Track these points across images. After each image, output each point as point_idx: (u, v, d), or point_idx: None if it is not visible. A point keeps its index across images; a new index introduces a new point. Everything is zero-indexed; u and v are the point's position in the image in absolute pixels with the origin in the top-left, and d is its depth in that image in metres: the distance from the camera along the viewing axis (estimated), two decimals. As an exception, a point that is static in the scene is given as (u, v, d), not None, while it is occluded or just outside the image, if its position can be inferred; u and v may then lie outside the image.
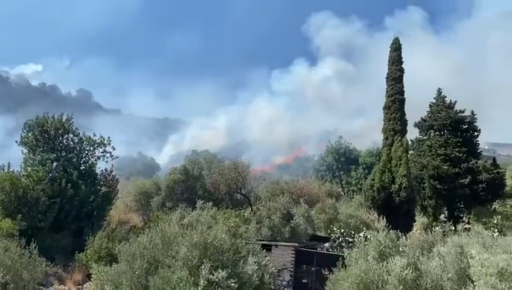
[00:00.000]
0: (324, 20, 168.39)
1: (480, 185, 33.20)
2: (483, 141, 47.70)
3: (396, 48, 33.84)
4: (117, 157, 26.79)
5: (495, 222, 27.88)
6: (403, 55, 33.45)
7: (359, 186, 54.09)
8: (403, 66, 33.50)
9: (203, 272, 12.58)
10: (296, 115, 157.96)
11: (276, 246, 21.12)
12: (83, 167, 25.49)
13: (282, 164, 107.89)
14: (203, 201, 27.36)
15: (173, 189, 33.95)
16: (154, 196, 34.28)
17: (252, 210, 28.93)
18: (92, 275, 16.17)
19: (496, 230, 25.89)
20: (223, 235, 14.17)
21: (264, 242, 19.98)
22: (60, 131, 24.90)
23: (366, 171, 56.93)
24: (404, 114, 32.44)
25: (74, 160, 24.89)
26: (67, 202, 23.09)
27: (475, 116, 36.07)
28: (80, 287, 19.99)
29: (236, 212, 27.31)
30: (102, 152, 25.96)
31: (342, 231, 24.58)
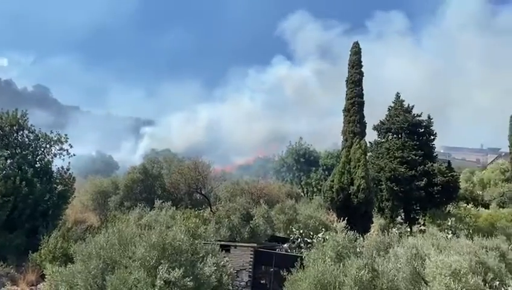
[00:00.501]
0: (302, 22, 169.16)
1: (435, 188, 34.04)
2: (439, 144, 49.22)
3: (356, 51, 34.68)
4: (74, 155, 26.25)
5: (449, 224, 28.80)
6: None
7: (319, 187, 54.77)
8: (362, 69, 34.38)
9: (160, 273, 12.49)
10: (270, 115, 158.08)
11: (235, 246, 21.16)
12: (39, 165, 24.84)
13: (244, 164, 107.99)
14: (161, 201, 27.09)
15: (132, 188, 33.52)
16: (112, 195, 33.75)
17: (211, 210, 28.93)
18: (46, 276, 15.77)
19: (450, 232, 26.85)
20: (182, 236, 14.10)
21: (223, 243, 20.00)
22: (14, 127, 24.30)
23: (326, 172, 57.79)
24: (363, 117, 33.20)
25: (29, 157, 24.22)
26: (21, 201, 22.49)
27: (431, 120, 37.13)
28: (33, 287, 19.51)
29: (196, 212, 27.23)
30: (59, 150, 25.43)
31: (301, 231, 24.82)
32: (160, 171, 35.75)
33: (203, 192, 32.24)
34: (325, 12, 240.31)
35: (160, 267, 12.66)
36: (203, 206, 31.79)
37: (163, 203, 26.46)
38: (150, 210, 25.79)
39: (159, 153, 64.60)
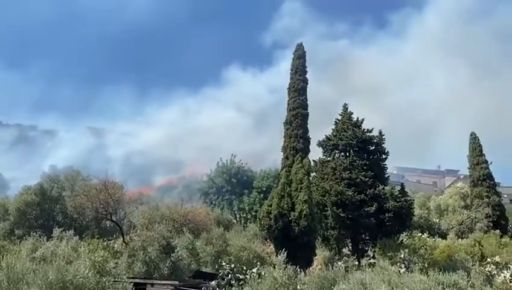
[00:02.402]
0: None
1: (386, 215, 34.63)
2: (392, 164, 50.75)
3: (300, 55, 35.14)
4: None
5: (402, 256, 29.64)
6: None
7: (254, 213, 54.90)
8: (307, 76, 34.80)
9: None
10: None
11: (152, 284, 20.78)
12: None
13: (165, 185, 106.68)
14: (62, 229, 26.33)
15: (25, 213, 32.48)
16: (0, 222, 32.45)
17: (124, 241, 28.30)
18: None
19: (403, 266, 27.71)
20: (86, 272, 13.70)
21: (136, 280, 19.63)
22: None
23: (262, 195, 58.10)
24: (307, 131, 33.51)
25: None
26: None
27: (383, 137, 37.90)
28: None
29: (105, 243, 26.54)
30: None
31: (232, 266, 24.79)
32: (61, 192, 34.73)
33: (114, 218, 31.44)
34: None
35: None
36: (114, 235, 31.04)
37: (63, 232, 25.78)
38: (47, 240, 25.04)
39: (60, 171, 62.58)
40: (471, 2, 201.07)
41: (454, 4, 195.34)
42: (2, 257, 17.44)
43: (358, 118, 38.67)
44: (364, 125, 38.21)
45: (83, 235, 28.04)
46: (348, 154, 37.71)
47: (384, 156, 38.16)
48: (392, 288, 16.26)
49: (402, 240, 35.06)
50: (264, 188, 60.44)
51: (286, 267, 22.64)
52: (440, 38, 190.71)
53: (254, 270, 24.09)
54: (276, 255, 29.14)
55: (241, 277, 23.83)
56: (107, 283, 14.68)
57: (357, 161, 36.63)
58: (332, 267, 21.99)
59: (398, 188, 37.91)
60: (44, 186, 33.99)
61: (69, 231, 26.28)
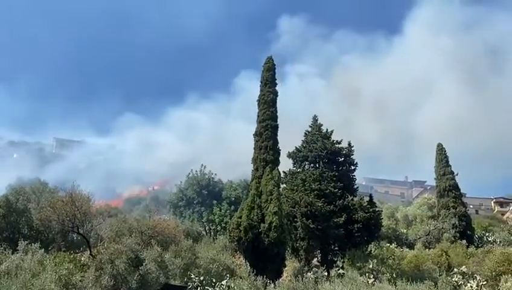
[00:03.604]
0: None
1: (355, 225, 35.06)
2: (360, 175, 51.31)
3: (269, 67, 35.54)
4: None
5: (370, 266, 29.96)
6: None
7: (224, 224, 54.75)
8: (276, 88, 35.07)
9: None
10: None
11: (119, 298, 20.55)
12: None
13: (134, 197, 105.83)
14: (27, 242, 25.79)
15: (-11, 226, 31.56)
16: (-39, 235, 31.57)
17: (91, 254, 27.87)
18: None
19: (372, 276, 27.97)
20: (52, 286, 13.47)
21: (104, 294, 19.33)
22: None
23: (232, 207, 57.98)
24: (277, 142, 33.65)
25: None
26: None
27: (352, 148, 38.50)
28: None
29: (71, 256, 26.11)
30: None
31: (202, 278, 24.65)
32: (27, 204, 34.03)
33: (80, 231, 30.89)
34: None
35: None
36: (81, 248, 30.55)
37: (29, 245, 25.26)
38: (12, 253, 24.51)
39: (26, 183, 61.46)
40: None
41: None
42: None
43: (327, 129, 39.19)
44: (334, 137, 38.75)
45: (49, 248, 27.53)
46: (317, 165, 38.12)
47: (353, 167, 38.71)
48: (362, 299, 16.38)
49: (371, 250, 35.40)
50: (233, 198, 60.33)
51: (255, 279, 22.63)
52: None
53: (223, 282, 24.00)
54: (246, 267, 29.19)
55: (210, 289, 23.69)
56: (73, 297, 14.42)
57: (327, 172, 37.05)
58: (302, 279, 22.03)
59: (367, 199, 38.32)
60: (9, 199, 33.22)
61: (35, 243, 25.76)
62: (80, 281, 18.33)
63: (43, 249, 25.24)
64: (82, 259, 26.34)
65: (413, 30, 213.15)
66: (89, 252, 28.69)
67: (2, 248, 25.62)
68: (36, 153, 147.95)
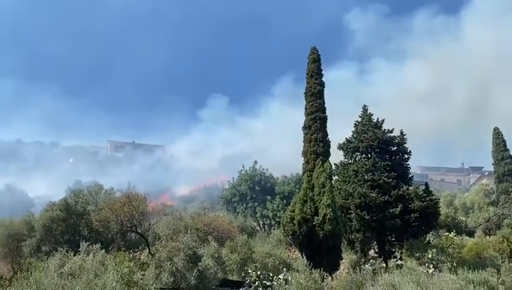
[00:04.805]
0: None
1: (412, 215, 34.46)
2: (415, 164, 50.55)
3: (314, 59, 35.18)
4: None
5: (430, 256, 29.43)
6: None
7: (277, 219, 54.99)
8: (323, 79, 34.84)
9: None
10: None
11: (180, 294, 20.95)
12: None
13: (187, 195, 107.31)
14: (88, 243, 26.52)
15: (51, 229, 32.77)
16: (26, 239, 32.85)
17: (149, 252, 28.52)
18: None
19: (431, 266, 27.53)
20: (114, 284, 13.90)
21: (165, 291, 19.77)
22: None
23: (285, 201, 58.16)
24: (326, 134, 33.42)
25: None
26: None
27: (405, 137, 37.85)
28: None
29: (131, 255, 26.77)
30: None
31: (259, 273, 24.84)
32: (86, 207, 35.04)
33: (139, 230, 31.71)
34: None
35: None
36: (140, 247, 31.29)
37: (90, 246, 25.93)
38: (74, 255, 25.20)
39: (83, 185, 63.29)
40: None
41: None
42: (30, 273, 17.71)
43: (378, 118, 38.65)
44: (385, 126, 38.24)
45: (109, 249, 28.26)
46: (369, 155, 37.67)
47: (406, 156, 38.07)
48: (422, 288, 16.19)
49: (429, 240, 34.86)
50: (286, 193, 60.50)
51: (312, 272, 22.68)
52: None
53: (280, 276, 24.14)
54: (301, 261, 29.24)
55: (267, 283, 23.88)
56: (135, 295, 14.84)
57: (379, 162, 36.62)
58: (359, 271, 21.95)
59: (423, 187, 37.65)
60: (68, 202, 34.27)
61: (95, 244, 26.36)
62: (141, 279, 18.80)
63: (103, 250, 25.80)
64: (141, 257, 26.95)
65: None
66: (147, 250, 29.37)
67: (64, 250, 26.39)
68: (92, 157, 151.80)
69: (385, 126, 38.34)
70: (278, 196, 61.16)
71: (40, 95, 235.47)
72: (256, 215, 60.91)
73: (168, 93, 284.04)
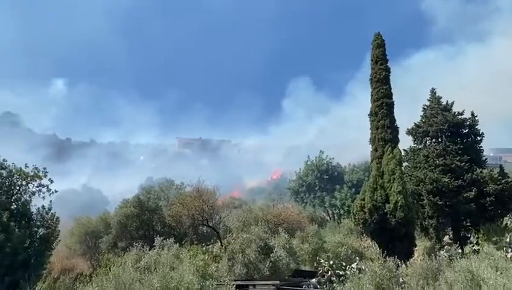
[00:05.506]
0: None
1: (487, 199, 33.53)
2: (487, 146, 48.73)
3: (378, 44, 34.38)
4: (55, 191, 26.14)
5: (507, 240, 28.36)
6: None
7: (346, 208, 54.55)
8: (388, 64, 34.05)
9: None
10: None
11: (254, 285, 21.11)
12: (15, 206, 24.75)
13: (255, 187, 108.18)
14: (162, 238, 27.12)
15: (126, 225, 33.64)
16: (103, 236, 33.89)
17: (221, 245, 28.85)
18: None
19: (510, 250, 26.51)
20: (190, 277, 14.10)
21: (239, 282, 19.97)
22: (-19, 164, 24.23)
23: (353, 190, 57.61)
24: (394, 120, 32.76)
25: (3, 198, 24.23)
26: (-4, 251, 22.35)
27: (476, 119, 36.69)
28: None
29: (204, 248, 27.19)
30: (37, 186, 25.30)
31: (331, 263, 24.67)
32: (158, 202, 35.80)
33: (210, 224, 32.17)
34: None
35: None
36: (212, 240, 31.77)
37: (164, 241, 26.46)
38: (149, 250, 25.81)
39: (154, 182, 64.79)
40: None
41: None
42: (109, 269, 18.25)
43: (447, 101, 37.58)
44: (455, 109, 37.16)
45: (182, 242, 28.76)
46: (440, 140, 36.77)
47: (479, 138, 36.86)
48: (501, 273, 15.60)
49: (506, 223, 33.73)
50: (355, 182, 59.90)
51: (386, 260, 22.32)
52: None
53: (354, 265, 23.87)
54: (373, 249, 28.85)
55: (341, 273, 23.66)
56: (210, 287, 15.02)
57: (451, 146, 35.69)
58: (435, 257, 21.40)
59: (497, 170, 36.45)
60: (141, 198, 35.12)
61: (168, 239, 26.93)
62: (215, 271, 19.05)
63: (177, 244, 26.33)
64: (214, 250, 27.28)
65: None
66: (219, 243, 29.75)
67: (139, 245, 27.05)
68: (161, 154, 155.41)
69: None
70: (345, 185, 60.62)
71: (114, 99, 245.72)
72: (325, 205, 60.60)
73: (242, 89, 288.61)
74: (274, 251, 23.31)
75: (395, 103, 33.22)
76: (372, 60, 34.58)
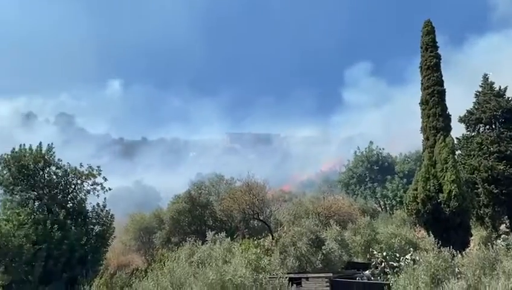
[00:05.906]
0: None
1: (546, 185, 32.77)
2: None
3: (428, 31, 33.59)
4: (110, 189, 26.58)
5: None
6: None
7: (398, 199, 53.84)
8: (438, 51, 33.24)
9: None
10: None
11: (307, 278, 21.06)
12: (71, 205, 25.46)
13: (305, 180, 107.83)
14: (214, 232, 27.33)
15: (178, 221, 34.10)
16: (156, 231, 34.45)
17: (273, 238, 28.95)
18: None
19: None
20: (243, 270, 14.23)
21: (291, 275, 19.98)
22: (40, 164, 24.75)
23: (405, 180, 56.77)
24: (445, 108, 32.04)
25: (59, 197, 24.92)
26: (55, 248, 22.94)
27: (532, 102, 35.70)
28: None
29: (255, 241, 27.27)
30: (92, 185, 25.86)
31: (384, 254, 24.50)
32: (209, 197, 36.12)
33: (261, 217, 32.26)
34: None
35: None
36: (263, 233, 31.86)
37: (216, 235, 26.67)
38: (202, 244, 26.04)
39: (204, 177, 65.31)
40: None
41: None
42: (163, 263, 18.59)
43: (500, 86, 36.60)
44: (509, 94, 36.15)
45: (234, 236, 28.94)
46: (493, 126, 35.95)
47: (536, 123, 35.78)
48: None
49: None
50: (406, 172, 59.00)
51: (440, 250, 21.94)
52: None
53: (408, 256, 23.61)
54: (428, 239, 28.38)
55: (394, 264, 23.46)
56: (263, 280, 15.12)
57: (505, 132, 34.90)
58: (492, 247, 20.91)
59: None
60: (192, 194, 35.48)
61: (220, 233, 27.11)
62: (267, 264, 19.13)
63: (229, 238, 26.48)
64: (265, 244, 27.37)
65: None
66: (271, 236, 29.85)
67: (192, 240, 27.33)
68: (211, 149, 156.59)
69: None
70: (396, 175, 59.77)
71: (169, 98, 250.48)
72: (376, 196, 59.92)
73: (295, 84, 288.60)
74: (326, 243, 23.26)
75: (449, 90, 32.49)
76: (421, 48, 33.88)
